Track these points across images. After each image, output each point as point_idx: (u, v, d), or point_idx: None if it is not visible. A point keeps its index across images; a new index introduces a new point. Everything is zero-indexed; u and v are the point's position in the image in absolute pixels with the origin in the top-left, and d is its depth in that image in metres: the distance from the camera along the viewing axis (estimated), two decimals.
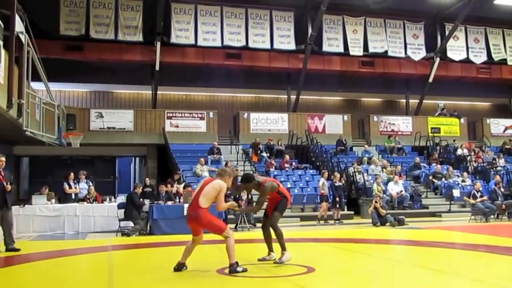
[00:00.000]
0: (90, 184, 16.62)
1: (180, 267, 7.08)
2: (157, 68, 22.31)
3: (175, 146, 21.31)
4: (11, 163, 21.34)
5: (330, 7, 22.69)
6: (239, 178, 8.42)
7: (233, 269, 6.72)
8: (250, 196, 16.66)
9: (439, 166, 21.68)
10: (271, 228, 7.73)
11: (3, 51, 11.64)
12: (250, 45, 23.47)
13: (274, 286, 6.42)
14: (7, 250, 9.66)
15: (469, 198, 16.93)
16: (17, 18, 12.57)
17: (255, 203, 9.13)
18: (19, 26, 12.83)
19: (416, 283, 6.43)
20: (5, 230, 9.79)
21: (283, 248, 7.59)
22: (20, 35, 12.93)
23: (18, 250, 9.73)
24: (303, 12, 24.29)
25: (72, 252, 10.15)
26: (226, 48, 23.38)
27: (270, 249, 7.80)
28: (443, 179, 20.78)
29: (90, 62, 22.66)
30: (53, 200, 14.91)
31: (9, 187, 9.70)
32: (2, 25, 11.32)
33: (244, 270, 6.78)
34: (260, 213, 9.31)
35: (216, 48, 23.22)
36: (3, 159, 9.69)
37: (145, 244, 11.43)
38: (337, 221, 16.38)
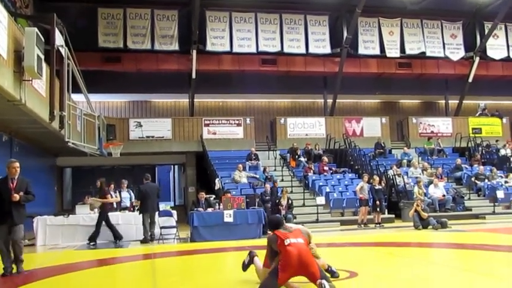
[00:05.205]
0: (132, 193, 16.83)
1: None
2: (193, 76, 22.51)
3: (213, 153, 21.41)
4: (54, 174, 21.95)
5: (365, 9, 22.48)
6: None
7: None
8: (290, 201, 16.64)
9: (481, 167, 21.18)
10: None
11: (44, 65, 11.91)
12: (286, 50, 23.44)
13: None
14: (3, 275, 8.01)
15: None
16: (57, 32, 12.81)
17: None
18: (59, 39, 13.08)
19: None
20: (13, 248, 8.17)
21: None
22: (60, 48, 13.18)
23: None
24: (338, 15, 24.16)
25: (117, 260, 10.29)
26: (262, 54, 23.43)
27: None
28: (486, 180, 20.28)
29: (128, 72, 23.04)
30: (96, 210, 15.14)
31: (16, 196, 8.00)
32: (43, 39, 11.57)
33: None
34: None
35: (251, 54, 23.30)
36: (17, 165, 8.27)
37: (186, 251, 11.52)
38: (378, 225, 16.17)
